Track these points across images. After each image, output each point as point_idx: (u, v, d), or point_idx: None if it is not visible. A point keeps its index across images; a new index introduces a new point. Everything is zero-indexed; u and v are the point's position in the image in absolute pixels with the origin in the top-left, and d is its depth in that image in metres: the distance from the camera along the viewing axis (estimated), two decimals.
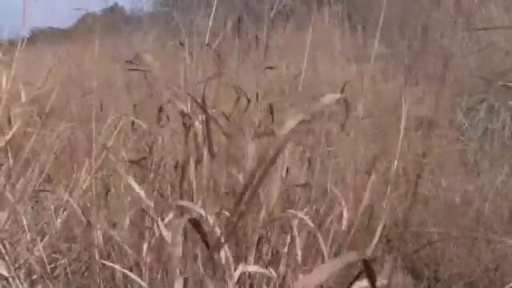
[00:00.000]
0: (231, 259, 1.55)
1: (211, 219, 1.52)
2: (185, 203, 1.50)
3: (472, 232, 2.80)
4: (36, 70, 4.24)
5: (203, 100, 1.58)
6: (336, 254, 1.90)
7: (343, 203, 1.82)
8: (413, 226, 2.81)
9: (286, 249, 1.91)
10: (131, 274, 1.81)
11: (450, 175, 3.26)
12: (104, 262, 1.97)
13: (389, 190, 2.00)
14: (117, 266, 1.91)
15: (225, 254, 1.51)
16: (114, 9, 13.68)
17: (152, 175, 2.03)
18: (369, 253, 1.76)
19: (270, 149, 0.83)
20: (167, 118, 1.94)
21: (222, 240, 1.37)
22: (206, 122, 1.54)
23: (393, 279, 2.21)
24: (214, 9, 2.28)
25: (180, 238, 1.13)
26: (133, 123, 2.35)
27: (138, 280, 1.78)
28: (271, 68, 2.43)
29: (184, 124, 1.62)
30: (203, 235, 1.24)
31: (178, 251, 1.16)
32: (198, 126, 1.59)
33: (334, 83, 3.17)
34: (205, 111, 1.54)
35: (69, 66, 3.51)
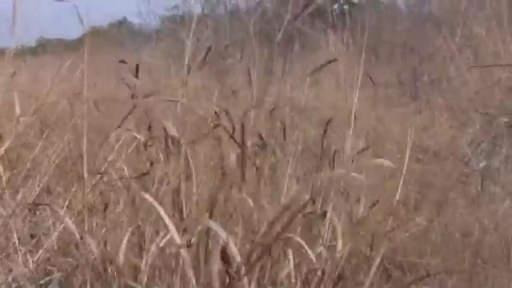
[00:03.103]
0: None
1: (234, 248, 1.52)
2: (214, 226, 1.49)
3: (471, 265, 2.77)
4: (40, 81, 4.25)
5: (243, 128, 1.58)
6: (336, 283, 1.88)
7: (339, 231, 1.81)
8: (411, 256, 2.79)
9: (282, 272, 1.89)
10: None
11: (451, 206, 3.24)
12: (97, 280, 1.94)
13: (390, 220, 1.98)
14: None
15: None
16: (122, 23, 13.75)
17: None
18: (367, 282, 1.75)
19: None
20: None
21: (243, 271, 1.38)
22: (242, 152, 1.55)
23: None
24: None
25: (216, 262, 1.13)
26: (135, 138, 2.34)
27: None
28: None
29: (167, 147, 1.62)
30: (228, 265, 1.25)
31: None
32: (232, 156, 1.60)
33: (337, 108, 3.17)
34: (242, 142, 1.54)
35: (73, 79, 3.52)
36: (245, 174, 1.66)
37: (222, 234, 1.57)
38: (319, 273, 1.90)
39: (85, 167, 2.09)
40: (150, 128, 1.95)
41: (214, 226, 1.60)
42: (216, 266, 1.59)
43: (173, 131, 1.69)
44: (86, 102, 2.55)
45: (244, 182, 1.69)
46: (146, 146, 2.00)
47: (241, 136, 1.68)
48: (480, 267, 2.68)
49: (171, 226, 1.62)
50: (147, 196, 1.67)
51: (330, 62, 2.44)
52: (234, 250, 1.58)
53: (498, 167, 3.94)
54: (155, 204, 1.61)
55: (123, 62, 2.04)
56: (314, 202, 2.07)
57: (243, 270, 1.52)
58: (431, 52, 6.71)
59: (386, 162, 1.25)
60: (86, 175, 2.09)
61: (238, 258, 1.58)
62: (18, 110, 2.46)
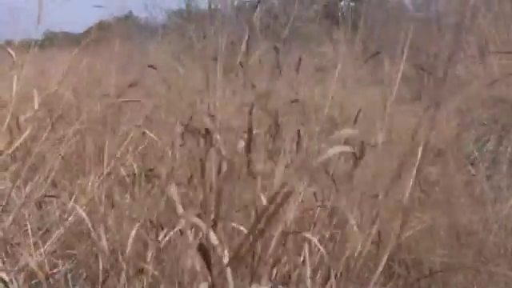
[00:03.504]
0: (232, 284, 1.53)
1: (219, 244, 1.52)
2: (197, 221, 1.49)
3: (475, 264, 2.78)
4: (48, 74, 4.26)
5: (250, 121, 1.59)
6: (346, 279, 1.89)
7: (355, 228, 1.82)
8: (416, 254, 2.80)
9: (296, 272, 1.91)
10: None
11: (456, 204, 3.24)
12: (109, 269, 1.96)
13: (399, 217, 1.99)
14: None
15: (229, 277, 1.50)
16: (128, 17, 13.75)
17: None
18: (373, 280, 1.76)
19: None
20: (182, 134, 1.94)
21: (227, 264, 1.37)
22: (248, 141, 1.55)
23: None
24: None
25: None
26: (143, 133, 2.36)
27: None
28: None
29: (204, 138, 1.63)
30: (208, 263, 1.25)
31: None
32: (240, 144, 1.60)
33: (344, 107, 3.17)
34: (250, 131, 1.55)
35: (81, 72, 3.53)
36: (251, 162, 1.66)
37: (202, 226, 1.56)
38: (325, 269, 1.91)
39: (104, 162, 2.11)
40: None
41: (194, 219, 1.59)
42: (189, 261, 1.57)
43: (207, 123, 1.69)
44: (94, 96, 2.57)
45: (250, 170, 1.69)
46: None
47: (248, 124, 1.69)
48: (484, 265, 2.69)
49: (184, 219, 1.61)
50: (172, 189, 1.67)
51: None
52: (213, 239, 1.55)
53: (503, 166, 3.94)
54: (175, 195, 1.61)
55: (152, 67, 2.06)
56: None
57: (225, 262, 1.49)
58: (437, 50, 6.70)
59: (345, 148, 1.25)
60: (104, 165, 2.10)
61: (219, 248, 1.57)
62: (36, 104, 2.47)
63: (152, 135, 2.20)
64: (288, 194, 0.90)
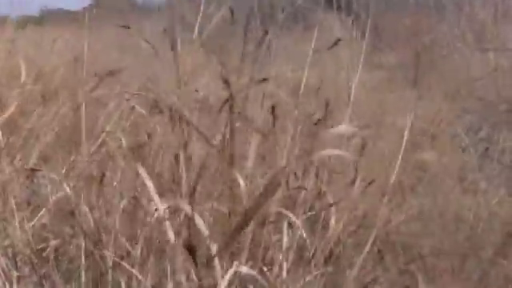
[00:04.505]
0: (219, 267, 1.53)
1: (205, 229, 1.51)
2: (182, 204, 1.49)
3: (463, 249, 2.79)
4: (42, 50, 4.23)
5: (231, 99, 1.57)
6: (326, 261, 1.90)
7: (333, 210, 1.82)
8: (405, 238, 2.80)
9: (278, 253, 1.90)
10: (122, 263, 1.79)
11: (447, 191, 3.25)
12: (93, 249, 1.95)
13: (385, 199, 1.99)
14: (107, 253, 1.89)
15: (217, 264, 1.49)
16: None
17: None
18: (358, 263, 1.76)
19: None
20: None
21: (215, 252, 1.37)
22: (231, 122, 1.54)
23: None
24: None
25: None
26: (133, 108, 2.34)
27: (129, 268, 1.76)
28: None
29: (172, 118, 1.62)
30: (192, 250, 1.24)
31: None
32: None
33: (338, 90, 3.16)
34: (231, 111, 1.54)
35: (75, 48, 3.50)
36: (234, 148, 1.65)
37: (187, 209, 1.55)
38: (311, 251, 1.91)
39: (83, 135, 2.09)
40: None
41: (178, 201, 1.58)
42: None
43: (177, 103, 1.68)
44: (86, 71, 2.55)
45: (232, 156, 1.68)
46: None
47: (229, 109, 1.67)
48: (473, 251, 2.70)
49: (155, 197, 1.60)
50: (139, 167, 1.66)
51: (335, 43, 2.43)
52: (200, 224, 1.53)
53: (495, 154, 3.95)
54: (144, 174, 1.60)
55: (126, 27, 2.03)
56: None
57: (214, 249, 1.48)
58: (434, 37, 6.69)
59: (346, 128, 1.26)
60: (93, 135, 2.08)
61: (206, 232, 1.55)
62: (23, 77, 2.45)
63: (142, 110, 2.18)
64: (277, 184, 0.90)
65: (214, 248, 1.50)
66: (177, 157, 1.64)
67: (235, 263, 1.57)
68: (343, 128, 1.58)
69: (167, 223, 1.61)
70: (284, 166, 1.68)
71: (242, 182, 1.72)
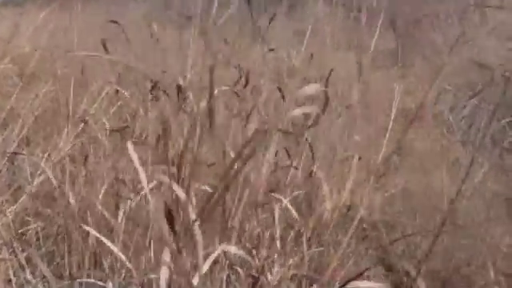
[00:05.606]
0: (201, 239, 1.51)
1: (187, 199, 1.49)
2: (164, 180, 1.47)
3: (446, 227, 2.81)
4: (21, 31, 4.15)
5: (211, 77, 1.55)
6: (314, 242, 1.90)
7: (326, 188, 1.81)
8: (388, 217, 2.82)
9: (266, 232, 1.90)
10: (105, 239, 1.77)
11: (431, 169, 3.26)
12: (80, 224, 1.93)
13: (371, 179, 1.99)
14: (91, 229, 1.87)
15: (197, 234, 1.48)
16: None
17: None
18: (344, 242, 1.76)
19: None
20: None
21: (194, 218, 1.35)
22: (210, 97, 1.52)
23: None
24: None
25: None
26: (117, 92, 2.31)
27: (111, 245, 1.75)
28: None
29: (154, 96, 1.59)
30: (171, 223, 1.22)
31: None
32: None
33: (323, 69, 3.15)
34: (211, 87, 1.52)
35: (54, 29, 3.45)
36: (213, 122, 1.63)
37: (165, 180, 1.53)
38: (296, 228, 1.91)
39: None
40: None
41: (158, 175, 1.56)
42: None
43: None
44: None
45: (212, 130, 1.66)
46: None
47: (209, 86, 1.65)
48: (455, 230, 2.72)
49: (142, 176, 1.58)
50: (129, 146, 1.64)
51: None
52: (180, 193, 1.52)
53: (477, 133, 3.97)
54: (130, 147, 1.57)
55: (114, 22, 2.00)
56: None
57: (193, 215, 1.46)
58: (419, 18, 6.69)
59: (315, 87, 1.25)
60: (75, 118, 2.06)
61: (183, 196, 1.53)
62: None
63: (125, 93, 2.16)
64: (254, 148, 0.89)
65: (193, 215, 1.49)
66: (164, 129, 1.62)
67: (223, 245, 1.57)
68: (312, 87, 1.55)
69: (148, 194, 1.59)
70: (257, 128, 1.67)
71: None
